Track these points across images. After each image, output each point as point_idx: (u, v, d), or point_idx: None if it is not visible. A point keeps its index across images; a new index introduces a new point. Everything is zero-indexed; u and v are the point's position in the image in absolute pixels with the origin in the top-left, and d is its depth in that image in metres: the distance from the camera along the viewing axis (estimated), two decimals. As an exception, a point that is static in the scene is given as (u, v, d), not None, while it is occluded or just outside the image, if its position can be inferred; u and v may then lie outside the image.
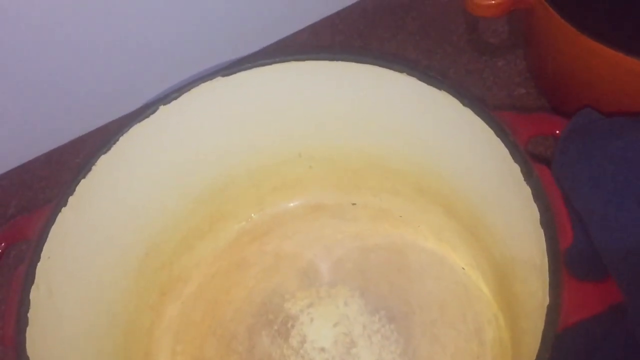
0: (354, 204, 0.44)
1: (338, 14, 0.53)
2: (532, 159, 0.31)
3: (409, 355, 0.38)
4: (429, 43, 0.50)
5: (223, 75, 0.37)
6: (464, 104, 0.33)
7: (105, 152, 0.36)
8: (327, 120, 0.40)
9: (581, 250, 0.29)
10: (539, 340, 0.28)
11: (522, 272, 0.34)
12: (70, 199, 0.34)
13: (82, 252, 0.36)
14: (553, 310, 0.27)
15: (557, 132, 0.31)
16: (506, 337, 0.37)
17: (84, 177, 0.35)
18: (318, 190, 0.44)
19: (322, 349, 0.39)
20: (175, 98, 0.37)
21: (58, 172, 0.50)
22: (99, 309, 0.37)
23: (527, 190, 0.30)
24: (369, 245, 0.42)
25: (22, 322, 0.31)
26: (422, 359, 0.38)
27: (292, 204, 0.44)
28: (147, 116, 0.36)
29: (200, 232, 0.43)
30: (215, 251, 0.43)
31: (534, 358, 0.28)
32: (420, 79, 0.34)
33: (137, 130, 0.36)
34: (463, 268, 0.40)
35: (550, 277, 0.28)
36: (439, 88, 0.34)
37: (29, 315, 0.31)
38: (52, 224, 0.34)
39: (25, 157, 0.51)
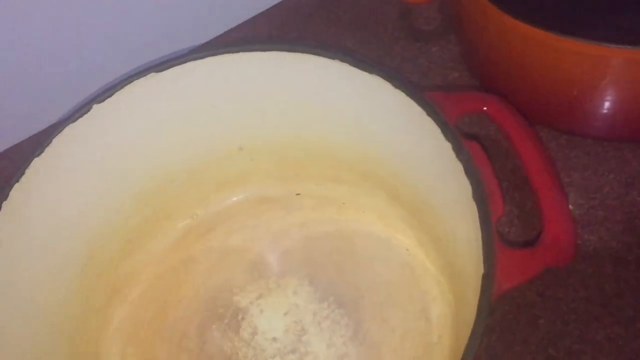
0: (298, 194, 0.44)
1: (274, 8, 0.53)
2: (462, 136, 0.32)
3: (360, 339, 0.39)
4: (364, 34, 0.51)
5: (156, 71, 0.36)
6: (395, 86, 0.34)
7: (38, 155, 0.35)
8: (266, 111, 0.40)
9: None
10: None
11: (462, 247, 0.35)
12: (4, 204, 0.34)
13: (20, 261, 0.35)
14: (487, 279, 0.28)
15: (485, 108, 0.32)
16: (451, 313, 0.38)
17: (17, 181, 0.34)
18: (261, 182, 0.44)
19: (274, 339, 0.39)
20: (109, 96, 0.36)
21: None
22: (42, 318, 0.36)
23: (459, 166, 0.31)
24: (316, 234, 0.43)
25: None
26: (373, 341, 0.39)
27: (236, 198, 0.44)
28: (81, 116, 0.36)
29: (144, 232, 0.42)
30: (161, 251, 0.43)
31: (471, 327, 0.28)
32: (352, 64, 0.35)
33: (71, 131, 0.36)
34: (407, 249, 0.41)
35: (483, 247, 0.29)
36: (371, 72, 0.34)
37: (-35, 325, 0.30)
38: (-15, 232, 0.33)
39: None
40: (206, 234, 0.43)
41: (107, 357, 0.40)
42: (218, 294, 0.41)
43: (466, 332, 0.31)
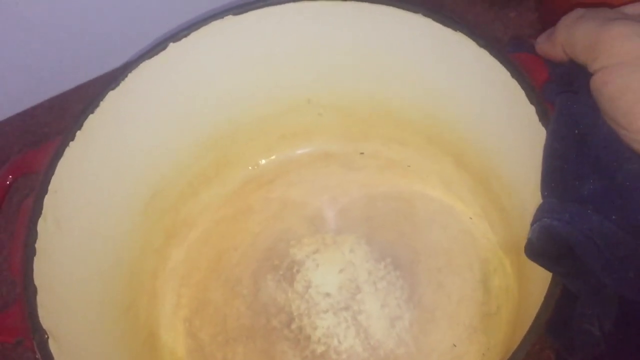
0: (362, 153, 0.43)
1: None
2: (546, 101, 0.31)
3: (414, 302, 0.38)
4: (439, -4, 0.50)
5: (234, 14, 0.36)
6: (480, 45, 0.32)
7: (113, 88, 0.35)
8: (338, 65, 0.40)
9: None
10: (547, 282, 0.28)
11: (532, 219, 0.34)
12: (78, 134, 0.34)
13: (89, 188, 0.35)
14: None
15: (574, 74, 0.31)
16: (512, 285, 0.37)
17: (91, 112, 0.34)
18: (326, 138, 0.44)
19: (327, 294, 0.39)
20: (186, 35, 0.36)
21: (61, 118, 0.49)
22: (106, 247, 0.37)
23: (542, 132, 0.30)
24: (376, 194, 0.42)
25: (29, 251, 0.31)
26: (428, 305, 0.38)
27: (299, 152, 0.44)
28: (157, 53, 0.36)
29: (206, 177, 0.43)
30: (221, 197, 0.43)
31: (544, 296, 0.28)
32: (436, 20, 0.34)
33: (146, 67, 0.36)
34: (470, 218, 0.40)
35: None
36: (455, 29, 0.33)
37: (36, 245, 0.31)
38: (60, 158, 0.33)
39: (27, 103, 0.50)
40: (266, 184, 0.43)
41: (163, 295, 0.40)
42: (274, 244, 0.41)
43: (531, 302, 0.30)
